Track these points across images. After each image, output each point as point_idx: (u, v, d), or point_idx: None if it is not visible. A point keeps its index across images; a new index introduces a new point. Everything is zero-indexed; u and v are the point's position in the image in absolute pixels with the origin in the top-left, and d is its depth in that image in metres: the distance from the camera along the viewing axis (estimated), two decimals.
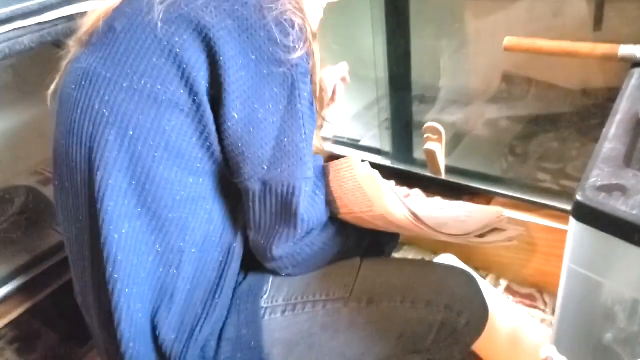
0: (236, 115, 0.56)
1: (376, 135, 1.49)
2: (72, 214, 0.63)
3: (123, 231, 0.57)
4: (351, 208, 0.66)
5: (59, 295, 1.04)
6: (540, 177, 1.25)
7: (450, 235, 0.67)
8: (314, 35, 0.60)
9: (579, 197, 0.48)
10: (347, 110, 1.65)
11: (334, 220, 0.69)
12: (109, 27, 0.59)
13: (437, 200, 0.84)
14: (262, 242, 0.63)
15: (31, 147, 1.43)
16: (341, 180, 0.65)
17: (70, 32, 0.99)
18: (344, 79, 0.91)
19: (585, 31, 1.20)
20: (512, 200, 1.14)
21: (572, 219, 0.49)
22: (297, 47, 0.56)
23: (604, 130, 0.57)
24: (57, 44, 1.32)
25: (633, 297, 0.52)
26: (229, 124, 0.56)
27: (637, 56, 0.67)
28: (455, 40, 1.54)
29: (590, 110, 1.25)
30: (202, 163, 0.59)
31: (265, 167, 0.59)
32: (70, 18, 0.98)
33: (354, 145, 1.48)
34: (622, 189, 0.48)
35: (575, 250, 0.52)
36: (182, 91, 0.55)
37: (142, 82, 0.55)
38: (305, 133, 0.59)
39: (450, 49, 1.56)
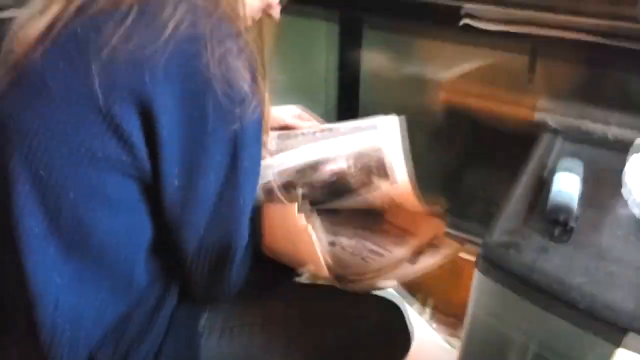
0: (176, 182, 0.56)
1: None
2: None
3: (59, 280, 0.57)
4: (282, 257, 0.67)
5: None
6: (473, 210, 1.33)
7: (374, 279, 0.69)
8: (264, 76, 0.59)
9: (481, 251, 0.54)
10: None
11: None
12: (42, 82, 0.54)
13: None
14: (197, 290, 0.65)
15: None
16: (276, 227, 0.66)
17: None
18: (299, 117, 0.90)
19: (520, 81, 1.31)
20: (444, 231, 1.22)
21: (475, 270, 0.56)
22: (245, 108, 0.54)
23: (512, 189, 0.64)
24: None
25: (522, 342, 0.58)
26: (170, 190, 0.56)
27: (548, 123, 0.76)
28: (401, 73, 1.62)
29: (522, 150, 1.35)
30: (145, 214, 0.60)
31: (202, 232, 0.59)
32: None
33: None
34: (517, 247, 0.55)
35: (478, 298, 0.58)
36: (123, 158, 0.54)
37: (83, 149, 0.54)
38: (244, 201, 0.59)
39: (397, 81, 1.64)
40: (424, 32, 1.08)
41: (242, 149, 0.56)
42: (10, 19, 0.58)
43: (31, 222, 0.55)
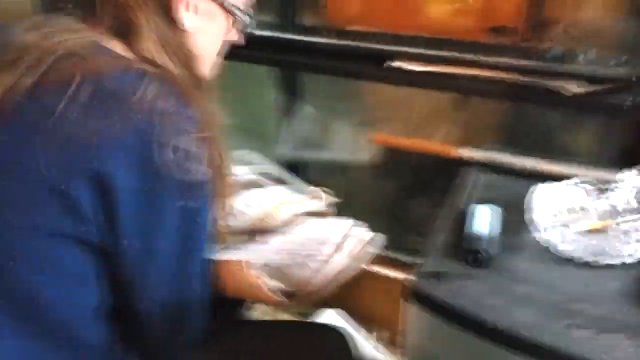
0: (133, 244, 0.57)
1: None
2: None
3: None
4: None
5: None
6: (415, 239, 1.41)
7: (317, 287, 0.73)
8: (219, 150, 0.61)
9: (409, 283, 0.60)
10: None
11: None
12: None
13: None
14: (155, 350, 0.67)
15: None
16: (231, 280, 0.69)
17: None
18: None
19: (443, 118, 1.43)
20: (388, 259, 1.29)
21: (405, 301, 0.62)
22: (199, 180, 0.56)
23: (437, 222, 0.71)
24: None
25: None
26: (124, 252, 0.57)
27: (469, 156, 0.84)
28: (335, 112, 1.71)
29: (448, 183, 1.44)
30: (93, 285, 0.60)
31: (157, 292, 0.60)
32: None
33: None
34: (441, 276, 0.61)
35: (411, 325, 0.64)
36: (78, 229, 0.55)
37: (34, 222, 0.55)
38: (198, 255, 0.62)
39: (332, 118, 1.73)
40: (355, 73, 1.16)
41: (197, 213, 0.59)
42: None
43: None
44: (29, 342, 0.59)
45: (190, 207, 0.57)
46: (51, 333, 0.60)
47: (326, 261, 0.74)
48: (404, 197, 1.58)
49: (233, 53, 0.81)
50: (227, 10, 0.66)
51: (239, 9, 0.67)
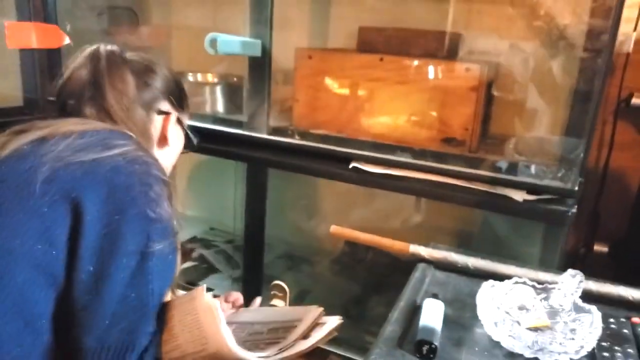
0: (91, 269, 0.61)
1: (227, 287, 1.57)
2: None
3: None
4: (184, 348, 0.68)
5: None
6: (368, 339, 1.40)
7: (279, 354, 0.73)
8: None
9: None
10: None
11: None
12: None
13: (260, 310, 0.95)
14: None
15: None
16: (182, 313, 0.69)
17: None
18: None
19: (408, 214, 1.50)
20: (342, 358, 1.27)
21: None
22: (157, 214, 0.65)
23: (390, 314, 0.74)
24: None
25: None
26: (83, 276, 0.61)
27: (421, 254, 0.89)
28: (305, 209, 1.77)
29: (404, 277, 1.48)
30: (46, 319, 0.61)
31: (107, 322, 0.61)
32: None
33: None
34: None
35: None
36: (39, 246, 0.60)
37: (1, 236, 0.60)
38: (152, 289, 0.64)
39: (301, 216, 1.78)
40: (322, 172, 1.23)
41: (153, 239, 0.64)
42: None
43: None
44: None
45: (147, 232, 0.64)
46: None
47: (291, 345, 0.75)
48: (360, 294, 1.59)
49: (206, 148, 0.87)
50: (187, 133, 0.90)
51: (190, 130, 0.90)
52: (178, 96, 0.88)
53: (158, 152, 0.83)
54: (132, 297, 0.63)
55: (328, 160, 1.21)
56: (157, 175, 0.69)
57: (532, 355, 0.66)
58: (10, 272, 0.59)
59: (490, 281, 0.76)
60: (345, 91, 1.28)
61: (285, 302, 1.20)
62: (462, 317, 0.75)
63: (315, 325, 0.81)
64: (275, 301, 1.20)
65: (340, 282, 1.66)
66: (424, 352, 0.64)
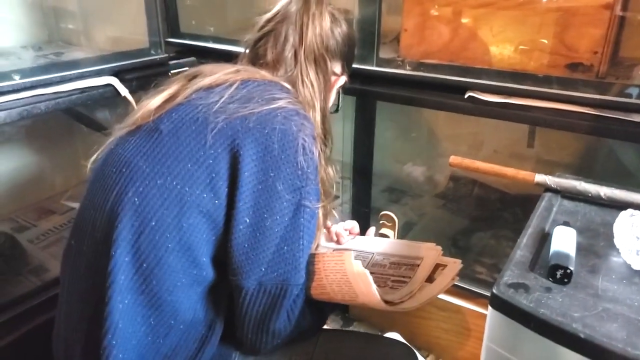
0: (247, 220, 0.65)
1: (334, 218, 1.63)
2: (80, 275, 0.70)
3: (126, 302, 0.64)
4: (331, 295, 0.74)
5: (19, 345, 1.07)
6: (477, 269, 1.41)
7: (412, 299, 0.77)
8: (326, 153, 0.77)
9: (494, 291, 0.63)
10: None
11: (308, 302, 0.76)
12: (156, 127, 0.68)
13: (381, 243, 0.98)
14: (245, 332, 0.71)
15: (6, 197, 1.49)
16: (329, 270, 0.73)
17: (80, 102, 1.13)
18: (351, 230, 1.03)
19: (520, 147, 1.44)
20: (452, 288, 1.29)
21: (489, 307, 0.64)
22: (309, 174, 0.67)
23: (518, 240, 0.74)
24: (67, 111, 1.44)
25: None
26: (241, 227, 0.65)
27: (548, 183, 0.86)
28: (412, 143, 1.75)
29: (523, 214, 1.45)
30: (207, 257, 0.68)
31: (264, 269, 0.67)
32: (83, 90, 1.11)
33: None
34: (525, 287, 0.64)
35: (491, 332, 0.66)
36: (205, 195, 0.65)
37: (174, 182, 0.65)
38: (303, 244, 0.68)
39: (407, 149, 1.77)
40: (434, 103, 1.21)
41: (302, 204, 0.67)
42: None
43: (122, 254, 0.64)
44: (139, 308, 0.65)
45: (300, 187, 0.66)
46: (157, 301, 0.65)
47: (419, 289, 0.78)
48: (469, 227, 1.59)
49: None
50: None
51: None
52: (351, 60, 0.87)
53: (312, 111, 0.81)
54: (285, 249, 0.67)
55: (441, 91, 1.19)
56: (311, 133, 0.69)
57: None
58: (183, 215, 0.65)
59: (630, 210, 0.73)
60: (456, 17, 1.23)
61: (394, 231, 1.24)
62: (595, 246, 0.73)
63: (437, 267, 0.83)
64: (384, 230, 1.24)
65: (446, 216, 1.66)
66: (558, 276, 0.65)
